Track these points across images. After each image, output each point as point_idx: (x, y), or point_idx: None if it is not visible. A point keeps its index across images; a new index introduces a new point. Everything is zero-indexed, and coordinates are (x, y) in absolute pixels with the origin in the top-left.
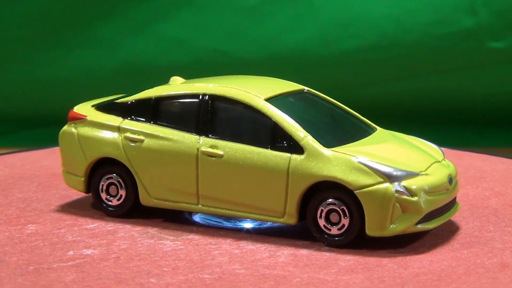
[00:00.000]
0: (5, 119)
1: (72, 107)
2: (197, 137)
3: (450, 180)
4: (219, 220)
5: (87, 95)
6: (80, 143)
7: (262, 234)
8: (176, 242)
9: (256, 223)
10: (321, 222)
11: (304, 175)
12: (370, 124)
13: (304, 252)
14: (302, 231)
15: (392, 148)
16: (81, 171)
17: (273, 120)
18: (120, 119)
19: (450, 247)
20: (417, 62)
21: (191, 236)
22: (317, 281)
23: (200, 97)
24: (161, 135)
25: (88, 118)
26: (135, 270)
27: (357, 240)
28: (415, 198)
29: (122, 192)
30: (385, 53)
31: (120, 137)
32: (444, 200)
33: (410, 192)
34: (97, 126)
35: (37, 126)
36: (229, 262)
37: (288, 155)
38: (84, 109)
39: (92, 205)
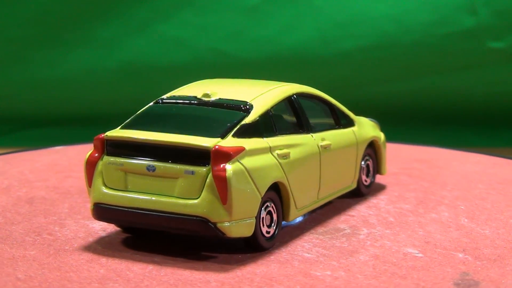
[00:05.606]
0: (5, 119)
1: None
2: (309, 135)
3: None
4: None
5: (87, 95)
6: (252, 178)
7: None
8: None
9: None
10: (364, 177)
11: (362, 141)
12: None
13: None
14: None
15: None
16: (255, 210)
17: (333, 104)
18: (261, 139)
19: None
20: (417, 62)
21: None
22: None
23: (293, 97)
24: (295, 143)
25: (247, 147)
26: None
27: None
28: None
29: (275, 216)
30: (385, 53)
31: (275, 157)
32: None
33: None
34: (256, 153)
35: (37, 126)
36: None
37: (351, 129)
38: (215, 141)
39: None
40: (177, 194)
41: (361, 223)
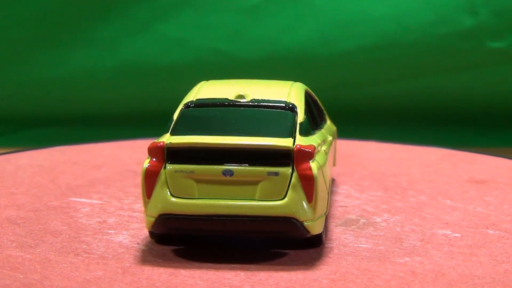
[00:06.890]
0: (5, 119)
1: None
2: (322, 130)
3: None
4: None
5: (87, 95)
6: (324, 175)
7: None
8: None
9: None
10: None
11: (334, 134)
12: None
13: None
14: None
15: None
16: (326, 206)
17: (319, 102)
18: (313, 136)
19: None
20: (417, 62)
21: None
22: None
23: (305, 95)
24: (324, 138)
25: (317, 146)
26: None
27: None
28: None
29: None
30: (385, 53)
31: (323, 153)
32: None
33: None
34: (318, 150)
35: (37, 126)
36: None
37: (328, 123)
38: (290, 140)
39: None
40: (258, 197)
41: (363, 212)
